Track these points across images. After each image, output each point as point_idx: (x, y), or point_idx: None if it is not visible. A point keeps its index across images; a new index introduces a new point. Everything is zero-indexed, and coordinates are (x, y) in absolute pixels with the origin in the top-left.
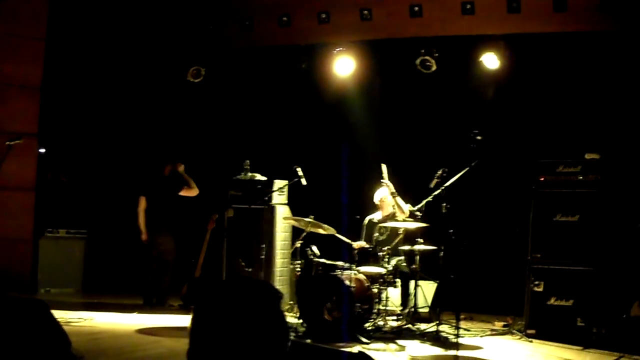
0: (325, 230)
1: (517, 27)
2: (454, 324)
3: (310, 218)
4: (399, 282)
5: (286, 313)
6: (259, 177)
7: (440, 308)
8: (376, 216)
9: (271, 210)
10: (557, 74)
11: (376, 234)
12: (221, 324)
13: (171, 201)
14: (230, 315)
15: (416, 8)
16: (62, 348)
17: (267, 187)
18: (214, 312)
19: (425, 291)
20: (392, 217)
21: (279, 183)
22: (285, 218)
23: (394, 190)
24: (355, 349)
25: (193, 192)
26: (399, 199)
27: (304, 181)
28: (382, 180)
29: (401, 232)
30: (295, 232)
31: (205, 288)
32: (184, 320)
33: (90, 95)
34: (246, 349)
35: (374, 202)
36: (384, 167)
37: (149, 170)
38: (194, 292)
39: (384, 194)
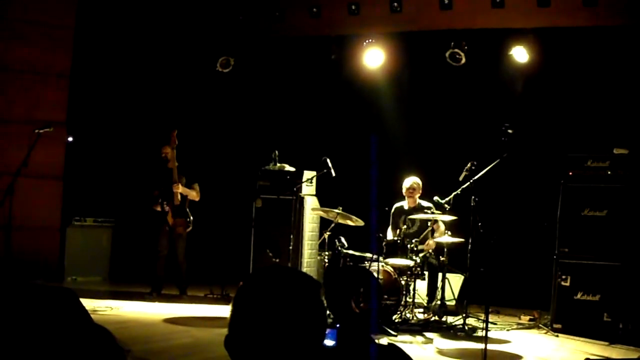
0: (354, 221)
1: (546, 20)
2: (480, 317)
3: (339, 209)
4: (426, 274)
5: None
6: (287, 167)
7: (467, 301)
8: (404, 204)
9: (300, 201)
10: (586, 69)
11: (404, 226)
12: (261, 312)
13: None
14: (270, 303)
15: (446, 1)
16: (103, 339)
17: (296, 178)
18: (254, 300)
19: (452, 284)
20: (419, 208)
21: (307, 174)
22: (313, 209)
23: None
24: (383, 340)
25: None
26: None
27: (333, 172)
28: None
29: (430, 224)
30: (324, 223)
31: (246, 277)
32: (210, 310)
33: (118, 84)
34: (286, 337)
35: (402, 193)
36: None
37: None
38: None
39: (410, 183)
